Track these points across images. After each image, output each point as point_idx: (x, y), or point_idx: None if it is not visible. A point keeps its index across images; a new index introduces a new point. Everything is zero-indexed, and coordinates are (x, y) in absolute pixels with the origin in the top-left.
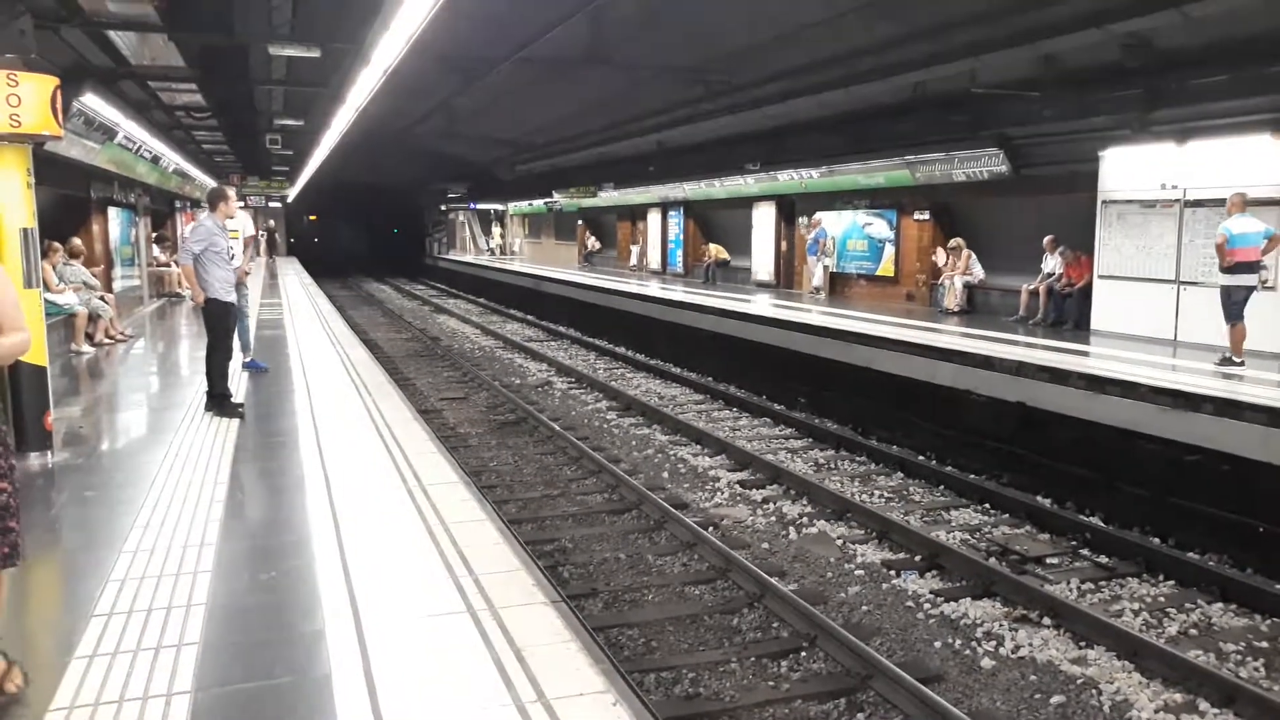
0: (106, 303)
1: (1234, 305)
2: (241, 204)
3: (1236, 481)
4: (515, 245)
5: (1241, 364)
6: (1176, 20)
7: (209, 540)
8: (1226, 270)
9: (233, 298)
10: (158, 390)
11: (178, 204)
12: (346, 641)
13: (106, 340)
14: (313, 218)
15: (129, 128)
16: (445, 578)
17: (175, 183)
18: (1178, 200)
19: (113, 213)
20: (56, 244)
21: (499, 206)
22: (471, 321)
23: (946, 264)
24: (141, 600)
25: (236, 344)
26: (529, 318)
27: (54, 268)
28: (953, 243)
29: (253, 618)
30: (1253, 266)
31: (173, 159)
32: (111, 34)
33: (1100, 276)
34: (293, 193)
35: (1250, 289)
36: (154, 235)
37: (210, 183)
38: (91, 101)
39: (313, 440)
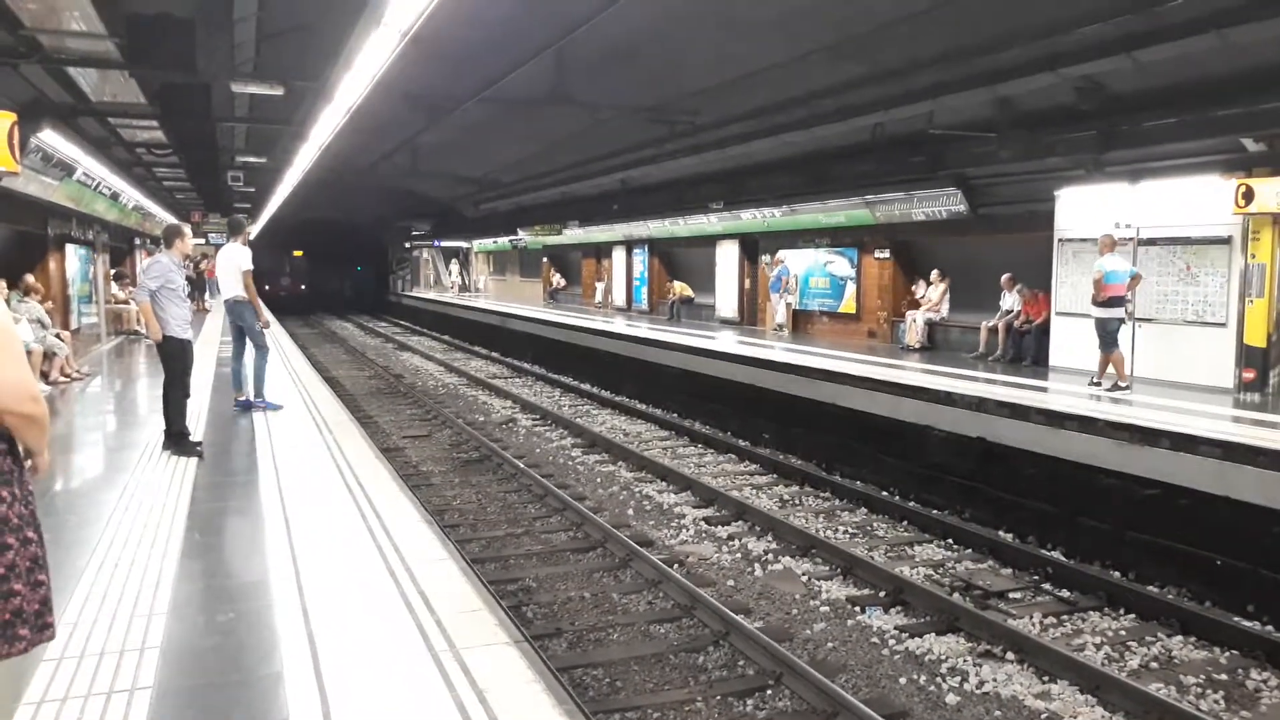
0: (62, 340)
1: (1109, 335)
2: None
3: (1194, 515)
4: (480, 282)
5: (1128, 388)
6: (1128, 65)
7: (165, 581)
8: (1101, 304)
9: (189, 335)
10: (114, 429)
11: (137, 241)
12: (305, 684)
13: (62, 379)
14: (298, 253)
15: (88, 164)
16: (406, 618)
17: (135, 219)
18: (1131, 239)
19: (70, 250)
20: (1, 280)
21: (463, 244)
22: (435, 359)
23: (924, 296)
24: (94, 644)
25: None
26: (493, 355)
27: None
28: (935, 274)
29: (209, 660)
30: (1121, 301)
31: (132, 196)
32: (71, 70)
33: (1058, 313)
34: (254, 230)
35: (1121, 320)
36: (113, 272)
37: (169, 219)
38: (50, 138)
39: (273, 479)
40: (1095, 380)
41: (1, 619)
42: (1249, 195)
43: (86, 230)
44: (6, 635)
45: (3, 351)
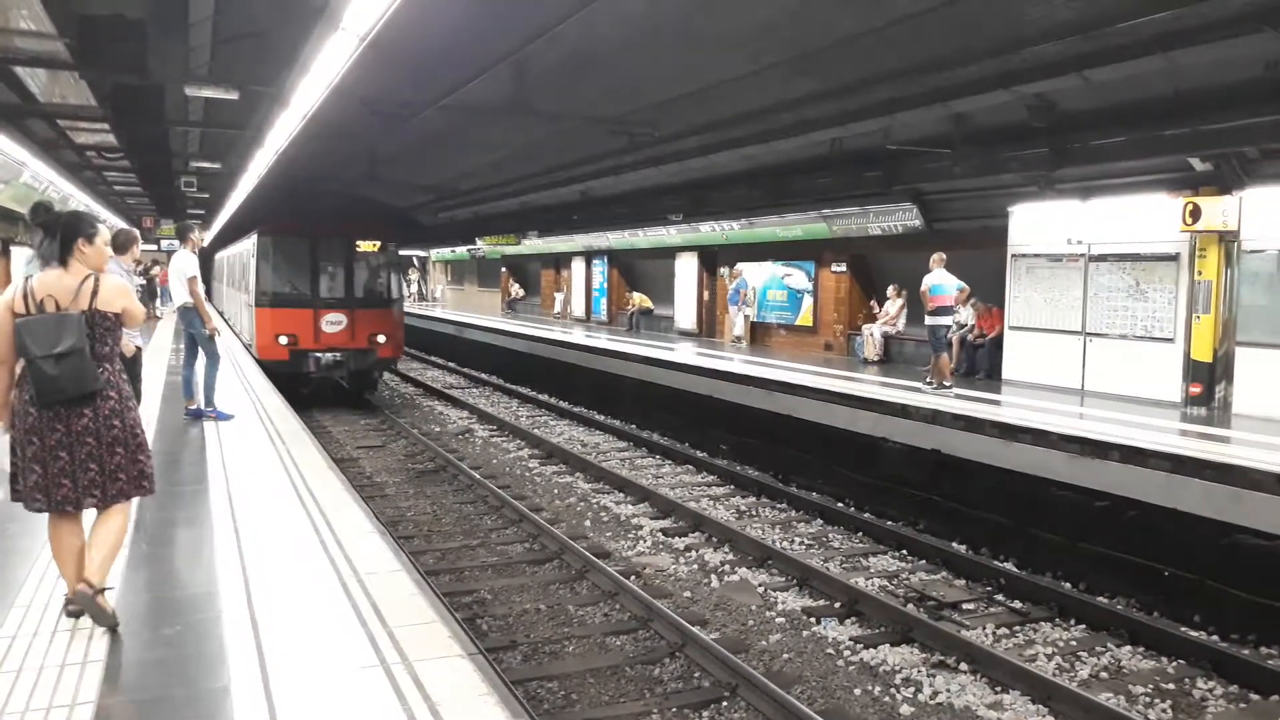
0: None
1: (938, 340)
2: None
3: (1143, 527)
4: (438, 292)
5: (950, 387)
6: (1078, 84)
7: (109, 593)
8: (930, 313)
9: (140, 342)
10: None
11: None
12: (253, 699)
13: None
14: (369, 245)
15: (36, 166)
16: (358, 631)
17: None
18: (1083, 255)
19: (16, 252)
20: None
21: (421, 253)
22: (390, 368)
23: (881, 309)
24: (33, 658)
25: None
26: (450, 364)
27: None
28: (892, 289)
29: (154, 674)
30: (949, 310)
31: (82, 199)
32: (19, 70)
33: (1011, 328)
34: (208, 236)
35: (948, 328)
36: None
37: (121, 224)
38: None
39: (223, 490)
40: (929, 380)
41: (134, 473)
42: (1196, 213)
43: (34, 233)
44: (140, 485)
45: (129, 294)
